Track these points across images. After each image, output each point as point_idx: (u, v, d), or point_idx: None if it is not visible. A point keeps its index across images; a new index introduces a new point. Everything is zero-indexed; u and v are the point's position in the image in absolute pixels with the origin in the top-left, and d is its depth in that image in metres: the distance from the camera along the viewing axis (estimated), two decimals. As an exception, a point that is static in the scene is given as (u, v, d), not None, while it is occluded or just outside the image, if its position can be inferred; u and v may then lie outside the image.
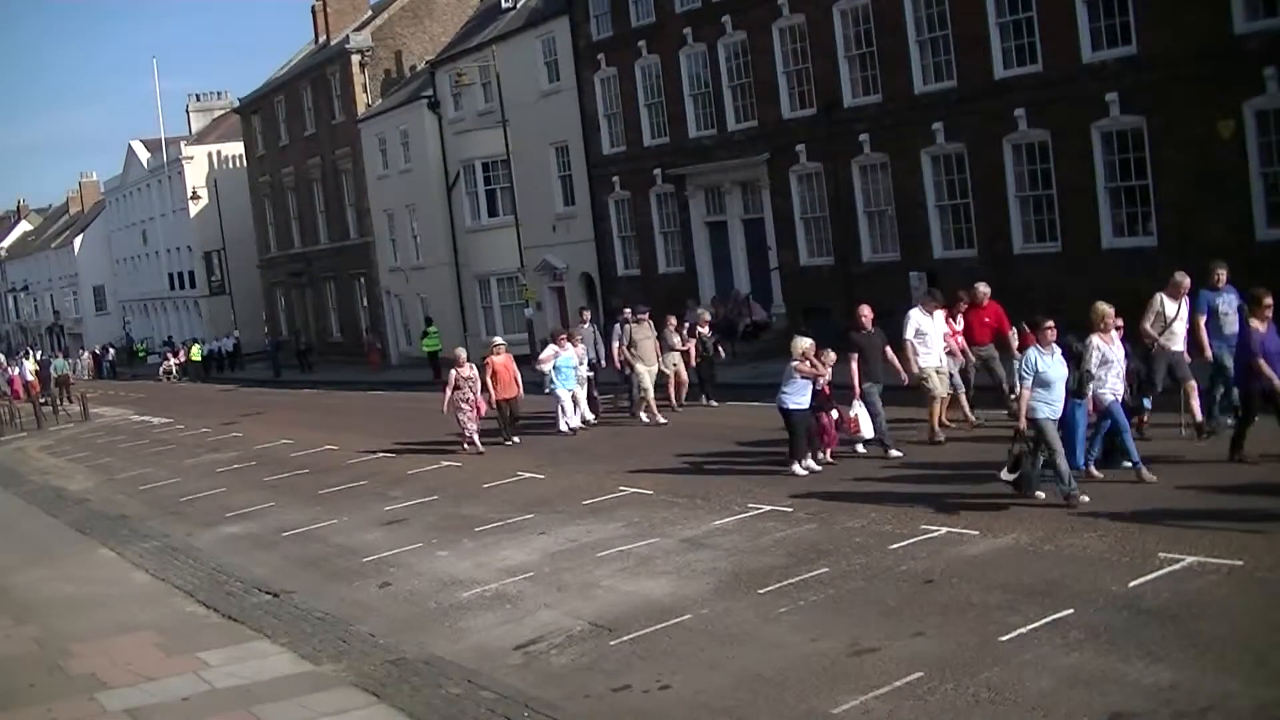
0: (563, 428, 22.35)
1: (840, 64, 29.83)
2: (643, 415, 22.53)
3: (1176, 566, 9.99)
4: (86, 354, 77.59)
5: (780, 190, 32.19)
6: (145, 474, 24.59)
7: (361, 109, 51.61)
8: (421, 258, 48.42)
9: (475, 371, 21.71)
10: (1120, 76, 23.67)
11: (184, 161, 71.35)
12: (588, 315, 25.71)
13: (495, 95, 39.65)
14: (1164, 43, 22.72)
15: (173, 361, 63.26)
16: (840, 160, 30.21)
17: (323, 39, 58.04)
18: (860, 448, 16.49)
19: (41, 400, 42.88)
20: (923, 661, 8.69)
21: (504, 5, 44.07)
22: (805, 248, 31.98)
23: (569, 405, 22.50)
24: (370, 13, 56.36)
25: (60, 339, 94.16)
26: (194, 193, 67.81)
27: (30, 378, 49.46)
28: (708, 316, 25.54)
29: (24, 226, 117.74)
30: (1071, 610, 9.29)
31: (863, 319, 16.84)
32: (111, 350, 76.44)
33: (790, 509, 13.94)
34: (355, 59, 51.82)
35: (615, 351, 23.29)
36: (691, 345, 23.87)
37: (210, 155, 69.85)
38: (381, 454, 22.93)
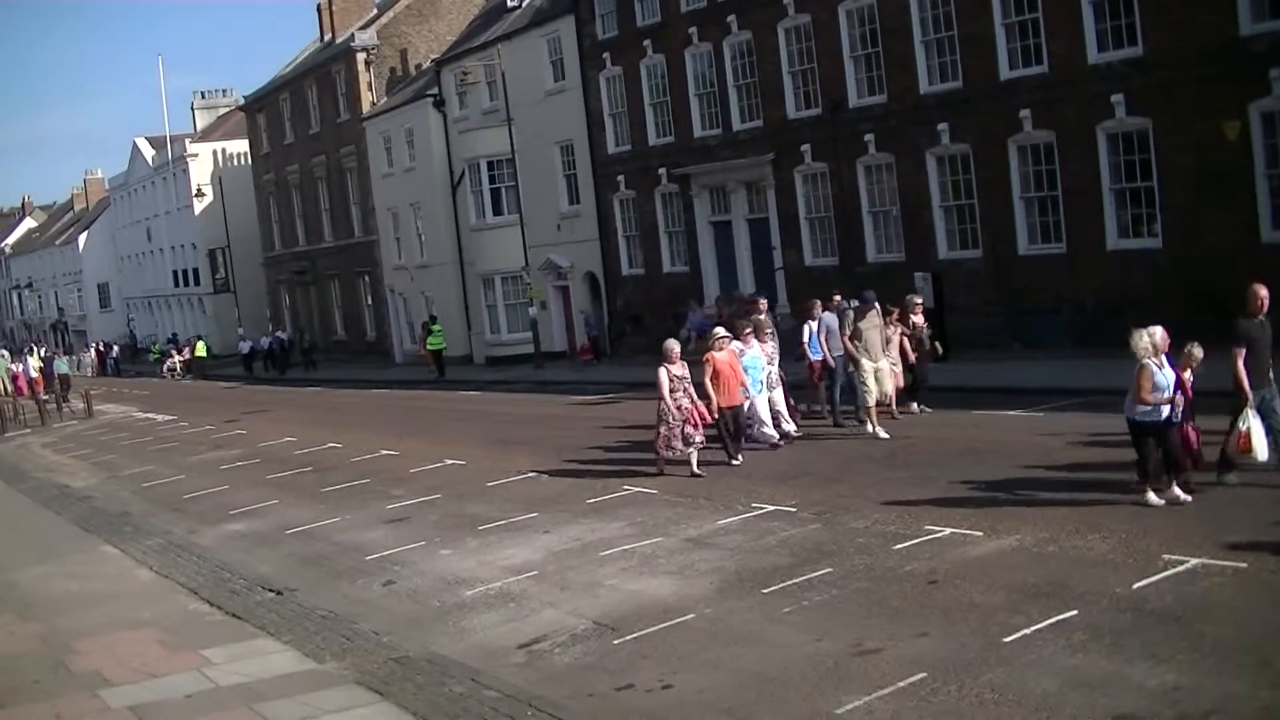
0: (765, 440, 18.30)
1: (846, 64, 29.81)
2: (869, 425, 18.31)
3: (1181, 568, 9.98)
4: (91, 350, 77.66)
5: (785, 190, 32.16)
6: (149, 471, 24.59)
7: (366, 107, 51.64)
8: (426, 256, 48.45)
9: (687, 370, 17.21)
10: (1126, 77, 23.65)
11: (189, 159, 71.39)
12: (763, 305, 20.93)
13: (500, 94, 39.70)
14: (1170, 44, 22.70)
15: (177, 358, 63.34)
16: (845, 160, 30.18)
17: (328, 37, 58.07)
18: (1232, 476, 12.36)
19: (45, 397, 42.95)
20: (926, 662, 8.68)
21: (509, 4, 44.05)
22: (810, 248, 31.95)
23: (765, 414, 18.37)
24: (375, 11, 56.41)
25: (64, 336, 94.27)
26: (199, 190, 67.87)
27: (34, 374, 49.51)
28: (919, 301, 20.99)
29: (29, 223, 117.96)
30: (1075, 612, 9.28)
31: (1260, 300, 12.44)
32: (115, 347, 76.46)
33: (794, 509, 13.93)
34: (360, 57, 51.86)
35: (823, 346, 19.58)
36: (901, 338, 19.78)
37: (215, 153, 69.92)
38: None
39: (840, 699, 8.24)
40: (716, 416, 17.04)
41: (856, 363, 18.53)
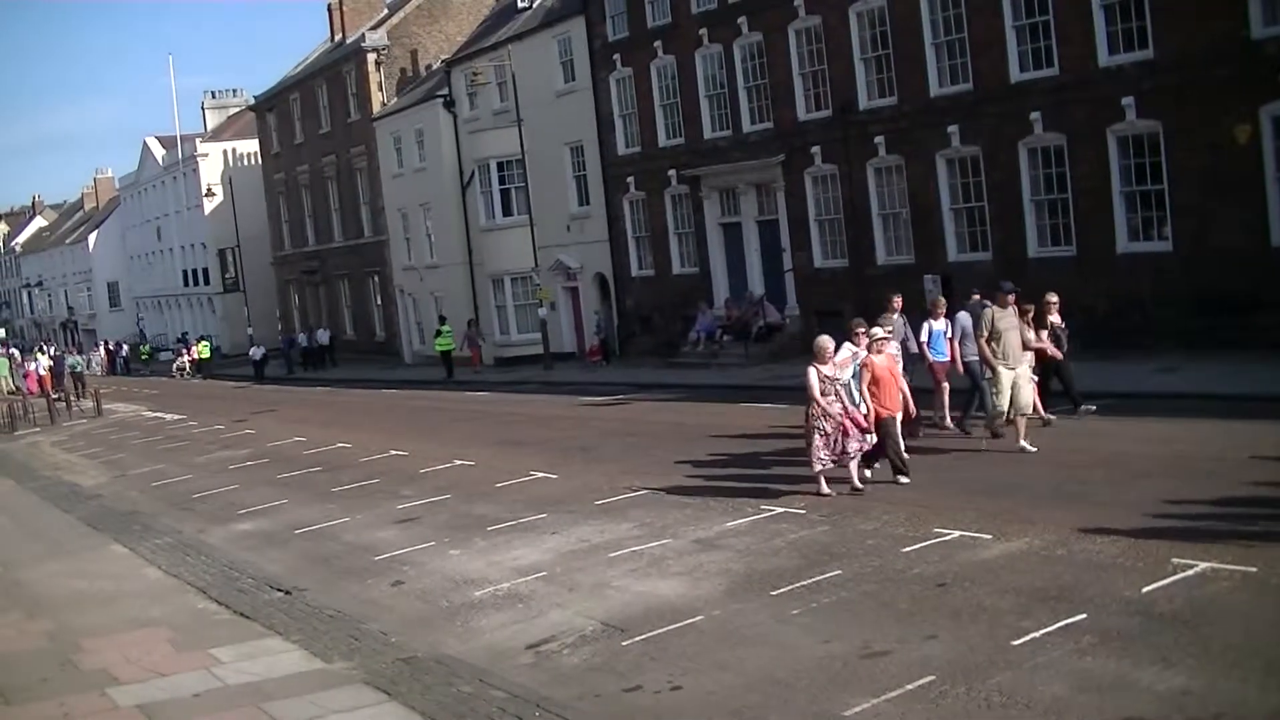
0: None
1: (856, 66, 29.79)
2: (985, 438, 16.57)
3: (1189, 572, 9.94)
4: (101, 349, 77.87)
5: (795, 192, 32.15)
6: (158, 470, 24.64)
7: (377, 107, 51.73)
8: (435, 256, 48.50)
9: (839, 371, 14.95)
10: (1137, 80, 23.59)
11: (199, 159, 71.62)
12: (898, 303, 18.78)
13: (510, 95, 39.73)
14: (1181, 47, 22.65)
15: (186, 358, 63.53)
16: (855, 162, 30.16)
17: (339, 37, 58.22)
18: None
19: (55, 396, 43.08)
20: (934, 665, 8.67)
21: (520, 5, 44.11)
22: (819, 250, 31.93)
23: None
24: (386, 11, 56.53)
25: (74, 335, 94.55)
26: (209, 190, 68.05)
27: (44, 373, 49.73)
28: (1054, 299, 18.49)
29: (39, 222, 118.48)
30: (1084, 615, 9.26)
31: None
32: (125, 346, 76.68)
33: (803, 511, 13.91)
34: (371, 57, 51.98)
35: (955, 348, 17.84)
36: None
37: (225, 152, 70.12)
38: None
39: (848, 701, 8.23)
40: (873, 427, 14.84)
41: (992, 368, 16.14)
